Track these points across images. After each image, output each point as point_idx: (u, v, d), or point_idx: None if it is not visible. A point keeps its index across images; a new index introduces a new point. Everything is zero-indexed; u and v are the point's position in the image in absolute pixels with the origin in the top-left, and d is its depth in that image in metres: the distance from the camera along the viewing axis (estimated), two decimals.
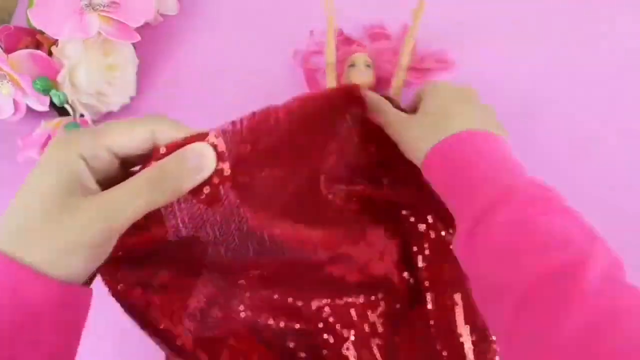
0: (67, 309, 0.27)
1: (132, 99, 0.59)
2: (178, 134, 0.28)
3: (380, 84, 0.51)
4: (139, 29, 0.56)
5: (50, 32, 0.53)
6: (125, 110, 0.59)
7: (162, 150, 0.28)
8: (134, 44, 0.58)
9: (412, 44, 0.48)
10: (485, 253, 0.30)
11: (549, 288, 0.26)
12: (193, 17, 0.64)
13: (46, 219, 0.26)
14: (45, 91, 0.53)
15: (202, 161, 0.29)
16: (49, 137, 0.53)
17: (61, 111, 0.55)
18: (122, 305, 0.33)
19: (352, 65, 0.50)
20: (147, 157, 0.28)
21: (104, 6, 0.53)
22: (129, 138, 0.28)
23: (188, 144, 0.28)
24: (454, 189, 0.34)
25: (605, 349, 0.23)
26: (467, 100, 0.38)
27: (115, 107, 0.58)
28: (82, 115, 0.55)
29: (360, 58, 0.51)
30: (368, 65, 0.50)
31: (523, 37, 0.55)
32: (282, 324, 0.41)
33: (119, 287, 0.32)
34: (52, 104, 0.54)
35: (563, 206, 0.30)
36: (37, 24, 0.53)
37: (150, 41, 0.61)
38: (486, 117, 0.37)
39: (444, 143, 0.35)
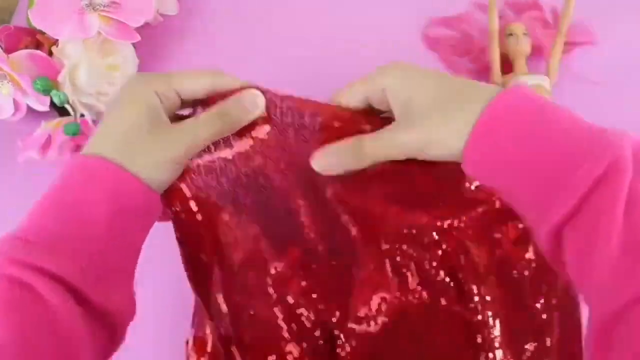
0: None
1: None
2: (234, 85, 0.34)
3: (534, 53, 0.55)
4: (139, 29, 0.55)
5: (50, 32, 0.53)
6: None
7: (216, 96, 0.34)
8: (134, 44, 0.58)
9: (571, 10, 0.51)
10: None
11: None
12: (193, 17, 0.63)
13: (142, 136, 0.31)
14: (46, 91, 0.53)
15: (256, 101, 0.34)
16: (49, 138, 0.53)
17: (61, 111, 0.55)
18: (176, 228, 0.36)
19: (511, 34, 0.54)
20: (202, 102, 0.35)
21: (104, 6, 0.53)
22: (195, 84, 0.34)
23: (240, 91, 0.34)
24: (527, 172, 0.29)
25: None
26: (434, 76, 0.33)
27: None
28: (82, 115, 0.55)
29: (519, 27, 0.54)
30: (525, 34, 0.54)
31: None
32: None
33: (178, 209, 0.35)
34: (52, 104, 0.54)
35: None
36: (37, 24, 0.53)
37: (150, 41, 0.61)
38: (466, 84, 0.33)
39: (480, 126, 0.29)
